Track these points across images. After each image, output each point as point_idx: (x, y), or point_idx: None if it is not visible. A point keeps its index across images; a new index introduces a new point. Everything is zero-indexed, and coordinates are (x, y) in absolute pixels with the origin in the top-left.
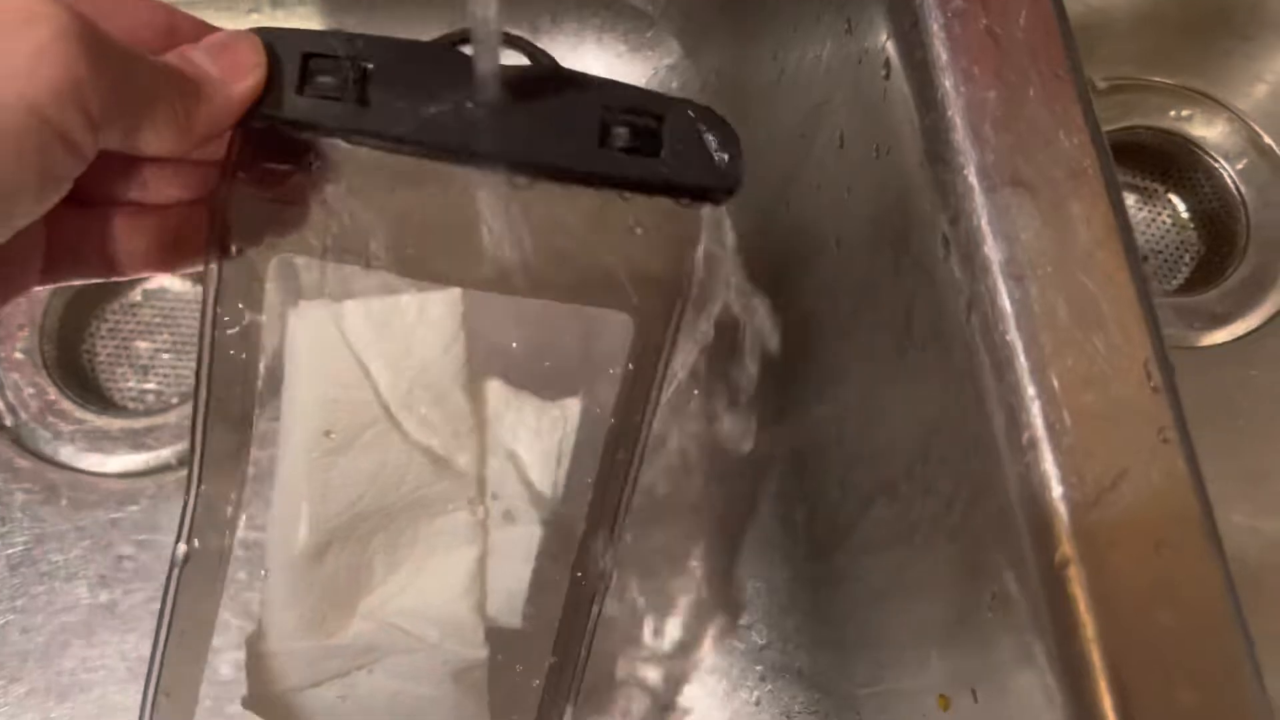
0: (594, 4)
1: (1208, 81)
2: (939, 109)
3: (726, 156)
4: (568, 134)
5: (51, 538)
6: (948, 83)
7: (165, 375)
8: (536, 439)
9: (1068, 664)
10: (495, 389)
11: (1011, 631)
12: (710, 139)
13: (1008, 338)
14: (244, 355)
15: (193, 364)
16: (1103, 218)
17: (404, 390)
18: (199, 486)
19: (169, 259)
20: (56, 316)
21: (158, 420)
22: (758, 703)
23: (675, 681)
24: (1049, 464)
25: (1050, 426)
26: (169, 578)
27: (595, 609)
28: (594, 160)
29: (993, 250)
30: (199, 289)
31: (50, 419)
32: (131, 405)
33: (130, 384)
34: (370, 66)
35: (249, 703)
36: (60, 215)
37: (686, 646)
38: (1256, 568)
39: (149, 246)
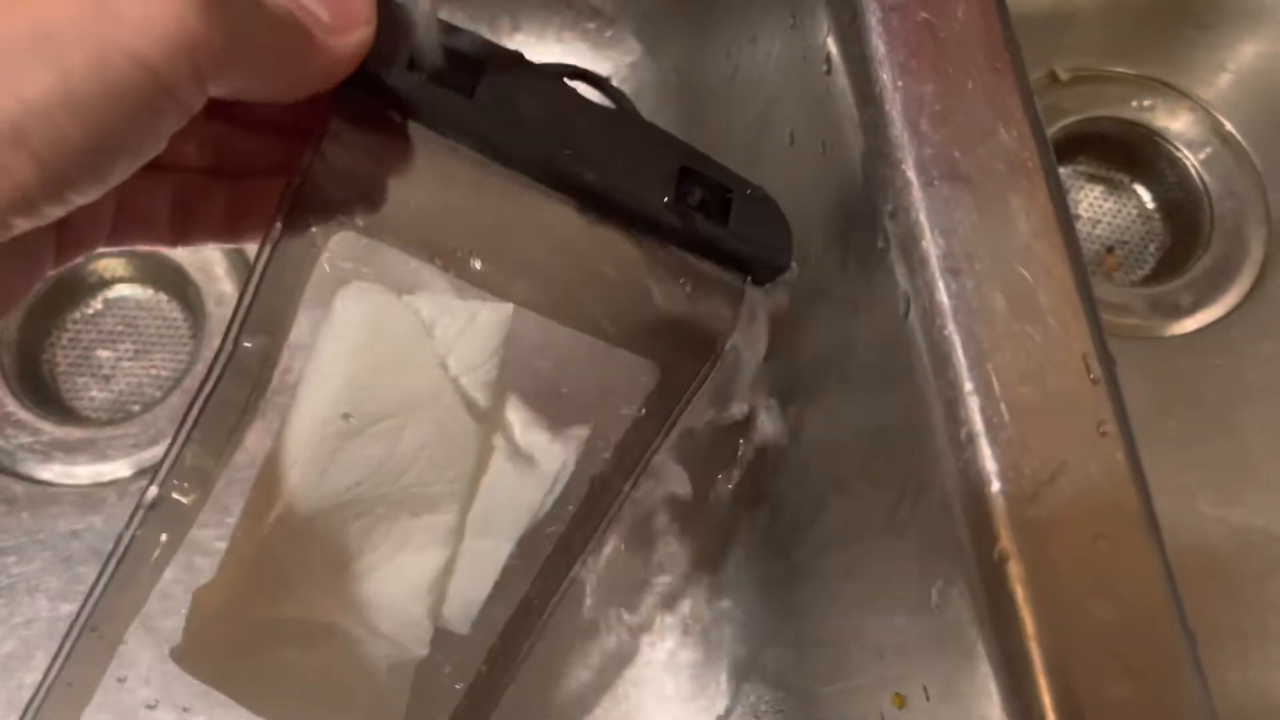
0: (555, 4)
1: (1170, 71)
2: (877, 104)
3: (780, 241)
4: (644, 181)
5: (11, 550)
6: (885, 77)
7: (127, 384)
8: (537, 464)
9: (1008, 659)
10: (512, 408)
11: (956, 628)
12: (768, 222)
13: (945, 332)
14: (281, 317)
15: (154, 372)
16: (1041, 210)
17: (431, 391)
18: (192, 433)
19: (237, 230)
20: (15, 326)
21: (119, 430)
22: (724, 701)
23: (640, 681)
24: (987, 459)
25: (988, 421)
26: (132, 517)
27: (536, 632)
28: (664, 211)
29: (930, 244)
30: (161, 296)
31: (9, 430)
32: (93, 415)
33: (91, 394)
34: (483, 66)
35: (178, 656)
36: (134, 178)
37: (652, 645)
38: (1224, 556)
39: (220, 215)
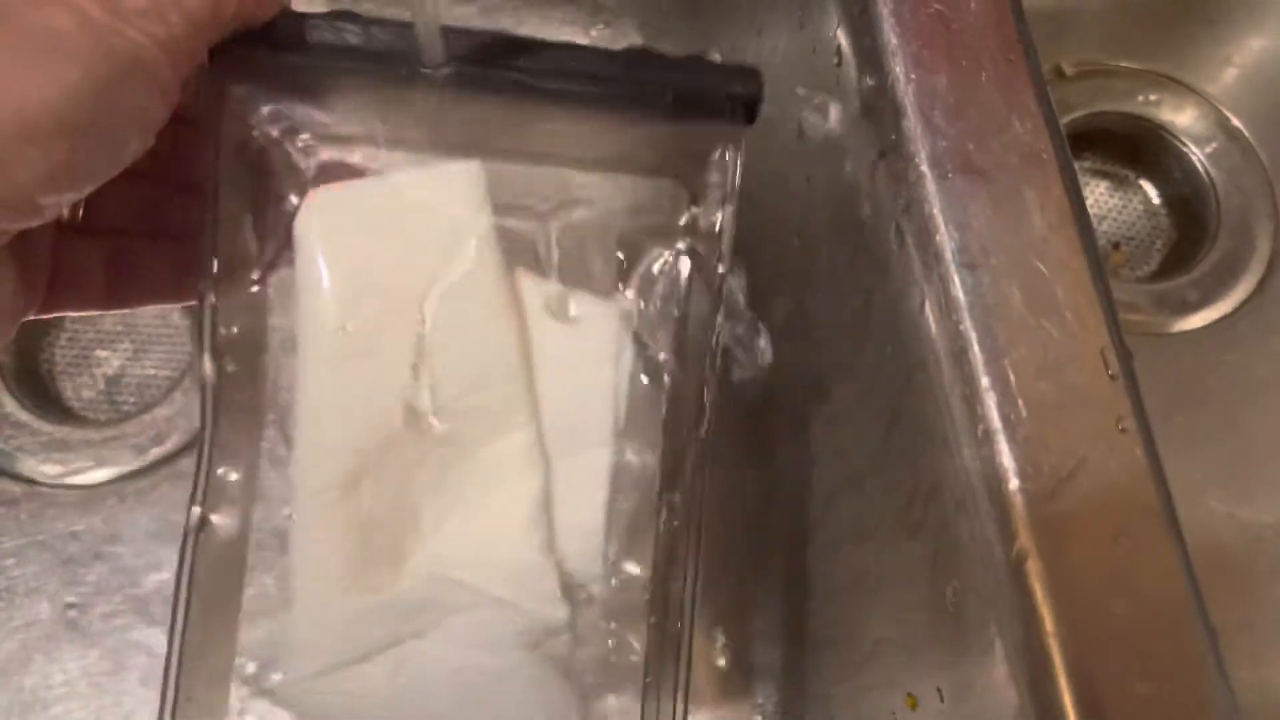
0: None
1: (1176, 66)
2: (889, 96)
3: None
4: (606, 60)
5: (10, 552)
6: (898, 69)
7: (126, 384)
8: (593, 333)
9: (1027, 658)
10: (535, 284)
11: (973, 627)
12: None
13: (961, 328)
14: (258, 310)
15: (153, 372)
16: (1057, 203)
17: (429, 277)
18: (213, 443)
19: (181, 290)
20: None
21: (118, 430)
22: (731, 702)
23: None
24: (1005, 456)
25: (1006, 417)
26: (183, 547)
27: (694, 561)
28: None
29: (945, 239)
30: None
31: (8, 431)
32: (91, 415)
33: (90, 394)
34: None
35: (279, 693)
36: (69, 244)
37: None
38: (1233, 553)
39: (163, 276)
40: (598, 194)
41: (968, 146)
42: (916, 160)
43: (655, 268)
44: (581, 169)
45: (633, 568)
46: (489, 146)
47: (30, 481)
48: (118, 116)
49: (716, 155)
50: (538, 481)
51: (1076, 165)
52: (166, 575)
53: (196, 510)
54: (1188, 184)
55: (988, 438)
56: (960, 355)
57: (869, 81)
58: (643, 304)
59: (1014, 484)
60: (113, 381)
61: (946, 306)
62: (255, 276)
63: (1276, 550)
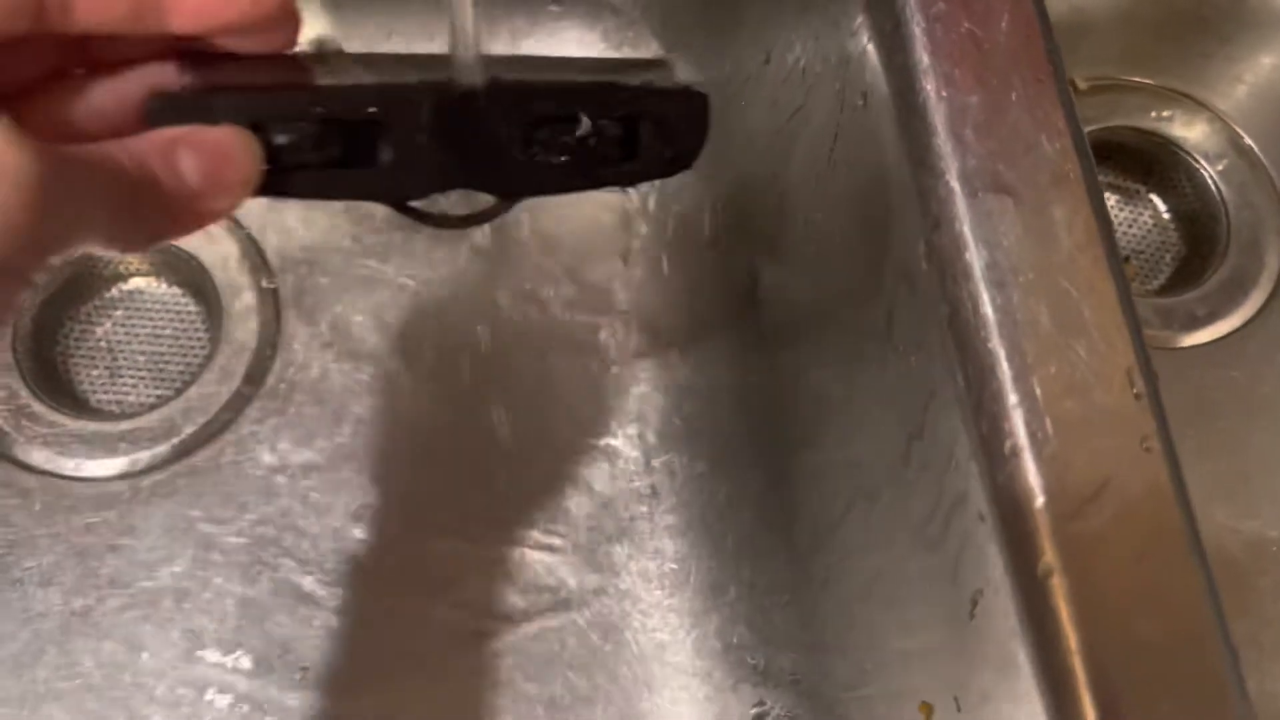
0: (571, 3)
1: (1188, 82)
2: (920, 114)
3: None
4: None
5: (24, 543)
6: (929, 87)
7: (141, 377)
8: None
9: (1050, 675)
10: None
11: (994, 641)
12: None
13: (989, 345)
14: None
15: (169, 366)
16: (1084, 223)
17: None
18: None
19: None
20: (29, 317)
21: (133, 424)
22: (740, 706)
23: (655, 685)
24: (1031, 474)
25: (1032, 435)
26: None
27: None
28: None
29: (974, 257)
30: (176, 290)
31: (23, 422)
32: (106, 408)
33: (106, 387)
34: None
35: None
36: None
37: (665, 648)
38: (1239, 568)
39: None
40: None
41: (997, 165)
42: (946, 178)
43: None
44: None
45: None
46: None
47: (45, 474)
48: None
49: None
50: None
51: None
52: (180, 569)
53: None
54: (1198, 200)
55: (1014, 454)
56: (987, 372)
57: (900, 98)
58: None
59: (1040, 501)
60: (128, 375)
61: (975, 324)
62: None
63: None
